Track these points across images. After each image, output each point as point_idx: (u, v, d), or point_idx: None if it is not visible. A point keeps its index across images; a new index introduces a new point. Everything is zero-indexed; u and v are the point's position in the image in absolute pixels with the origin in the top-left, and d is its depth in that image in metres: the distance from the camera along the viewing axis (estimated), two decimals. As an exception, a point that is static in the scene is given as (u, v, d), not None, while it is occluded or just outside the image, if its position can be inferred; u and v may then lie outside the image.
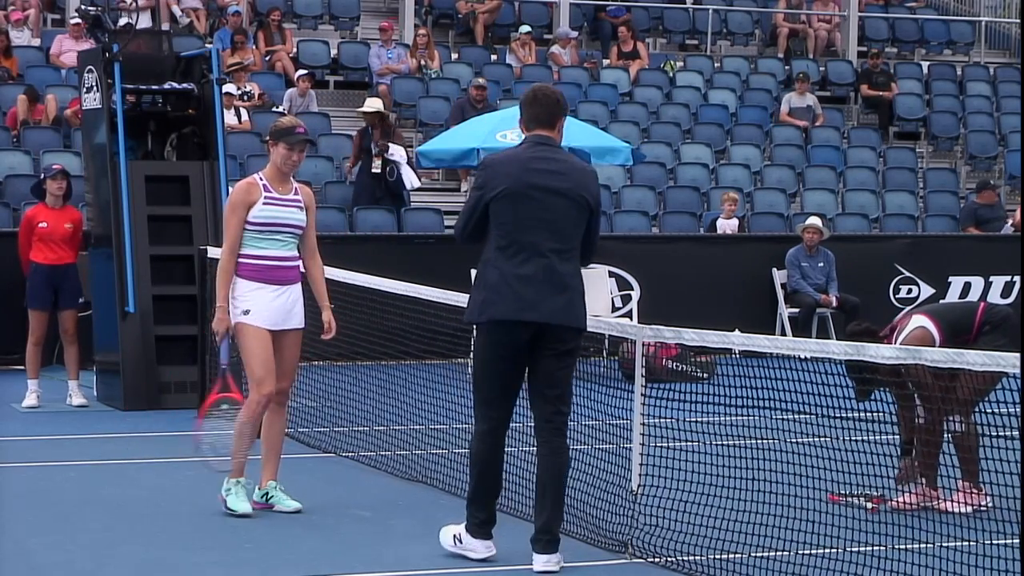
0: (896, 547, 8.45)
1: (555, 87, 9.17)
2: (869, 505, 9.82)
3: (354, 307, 12.26)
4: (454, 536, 8.87)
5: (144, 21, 16.03)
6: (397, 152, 20.24)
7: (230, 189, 16.07)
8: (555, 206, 8.42)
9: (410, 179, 20.27)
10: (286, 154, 9.90)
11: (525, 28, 27.38)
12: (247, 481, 9.94)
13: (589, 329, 9.98)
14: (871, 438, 9.01)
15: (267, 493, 10.01)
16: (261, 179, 9.92)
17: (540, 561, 8.56)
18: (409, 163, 20.43)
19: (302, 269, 10.01)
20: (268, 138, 10.10)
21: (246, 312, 9.74)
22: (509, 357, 8.50)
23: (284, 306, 9.83)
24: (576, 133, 18.35)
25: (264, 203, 9.83)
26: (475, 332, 8.81)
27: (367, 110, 20.65)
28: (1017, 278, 20.95)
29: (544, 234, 8.40)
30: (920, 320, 10.40)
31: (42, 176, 15.39)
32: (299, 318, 9.93)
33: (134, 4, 15.83)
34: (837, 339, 17.27)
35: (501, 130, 17.75)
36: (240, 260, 9.78)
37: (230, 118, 20.96)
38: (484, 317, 8.48)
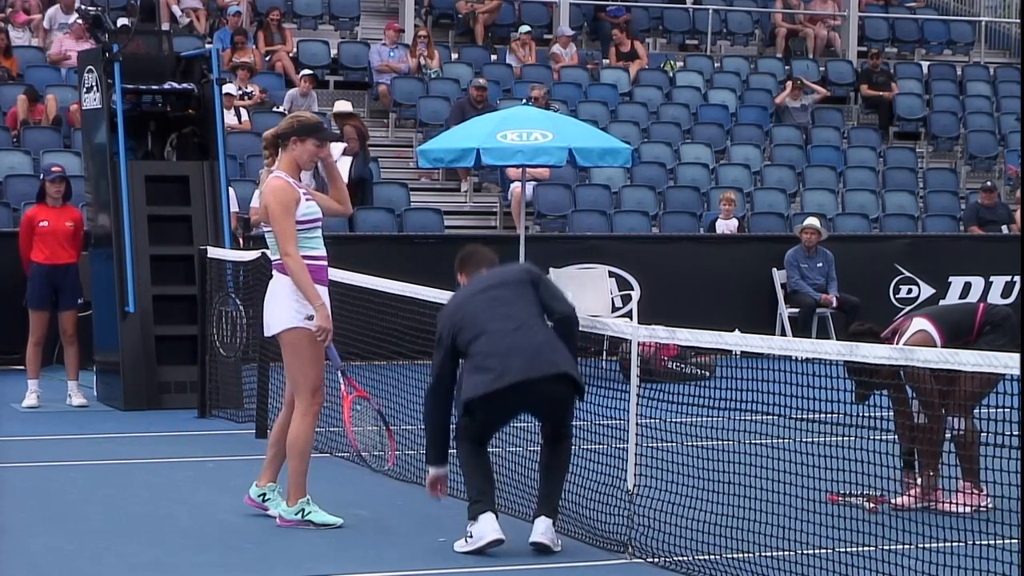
0: (896, 547, 8.46)
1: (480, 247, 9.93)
2: (869, 505, 9.83)
3: (349, 307, 12.27)
4: (465, 537, 9.00)
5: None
6: (332, 150, 20.32)
7: (230, 189, 16.24)
8: (498, 296, 9.10)
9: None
10: (314, 151, 9.64)
11: (525, 28, 27.38)
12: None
13: (588, 329, 10.04)
14: (870, 439, 9.02)
15: (264, 494, 9.96)
16: (287, 176, 9.59)
17: (540, 528, 8.97)
18: (356, 160, 20.40)
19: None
20: (289, 134, 9.62)
21: (310, 318, 9.47)
22: (491, 422, 9.16)
23: (330, 309, 9.69)
24: (576, 133, 18.38)
25: (305, 199, 9.58)
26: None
27: (336, 111, 20.94)
28: (1017, 278, 20.96)
29: (496, 317, 9.00)
30: (921, 324, 10.41)
31: (41, 176, 15.42)
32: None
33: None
34: (837, 339, 17.29)
35: (501, 130, 17.75)
36: None
37: (230, 118, 20.97)
38: (464, 399, 8.96)
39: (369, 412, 9.99)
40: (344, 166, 20.26)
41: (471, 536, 8.96)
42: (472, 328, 9.00)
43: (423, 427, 9.40)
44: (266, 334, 9.81)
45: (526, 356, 8.87)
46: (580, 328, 9.51)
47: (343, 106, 21.42)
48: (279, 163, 9.67)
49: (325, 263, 9.67)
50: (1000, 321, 10.48)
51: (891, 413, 10.32)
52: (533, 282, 9.18)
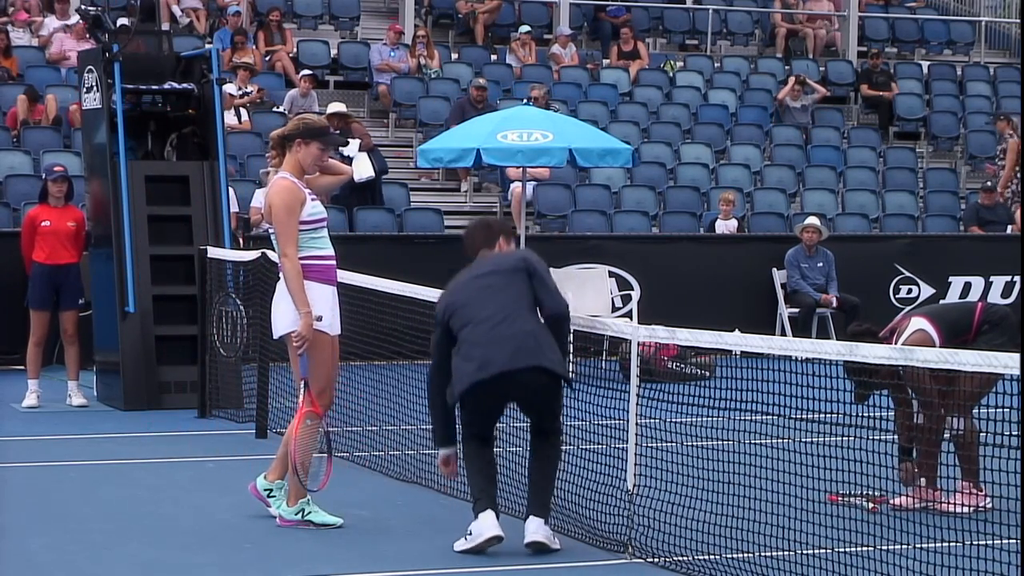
0: (895, 547, 8.46)
1: (486, 220, 10.11)
2: (870, 505, 9.83)
3: (349, 307, 12.25)
4: (464, 536, 9.02)
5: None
6: (348, 147, 20.28)
7: (230, 189, 16.24)
8: (491, 284, 9.16)
9: (357, 171, 20.14)
10: (318, 154, 9.65)
11: (525, 28, 27.39)
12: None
13: (587, 330, 10.03)
14: (870, 439, 9.02)
15: (271, 490, 9.94)
16: (292, 177, 9.58)
17: (531, 528, 8.98)
18: (372, 154, 20.43)
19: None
20: (294, 136, 9.61)
21: (318, 319, 9.45)
22: (482, 415, 9.16)
23: (338, 309, 9.67)
24: (576, 133, 18.38)
25: (311, 199, 9.58)
26: None
27: (331, 111, 20.88)
28: (1017, 278, 20.96)
29: (486, 305, 9.06)
30: (919, 323, 10.41)
31: (43, 176, 15.42)
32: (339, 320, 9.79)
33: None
34: (837, 339, 17.29)
35: (502, 130, 17.75)
36: (303, 262, 9.45)
37: (230, 118, 20.97)
38: (454, 398, 9.08)
39: (319, 431, 9.84)
40: (364, 162, 20.28)
41: (470, 534, 8.99)
42: (463, 315, 9.07)
43: (428, 410, 9.40)
44: (274, 336, 9.80)
45: (510, 348, 8.92)
46: (580, 329, 9.50)
47: (337, 107, 21.38)
48: (284, 164, 9.67)
49: (333, 263, 9.68)
50: (998, 320, 10.48)
51: (892, 413, 10.32)
52: (528, 271, 9.16)
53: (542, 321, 9.15)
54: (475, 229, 9.63)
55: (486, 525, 8.93)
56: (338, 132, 20.08)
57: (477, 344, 8.97)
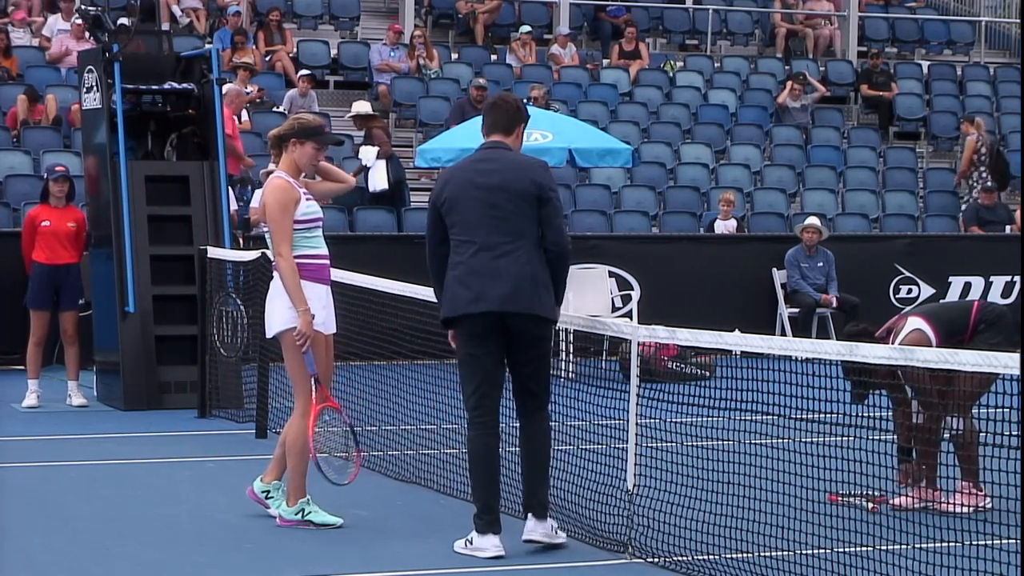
0: (894, 547, 8.46)
1: (515, 96, 9.48)
2: (870, 505, 9.83)
3: (349, 307, 12.27)
4: (466, 540, 8.99)
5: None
6: (365, 155, 20.26)
7: (230, 190, 16.24)
8: (496, 200, 8.79)
9: (373, 181, 20.17)
10: (314, 154, 9.63)
11: (525, 28, 27.40)
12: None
13: (586, 330, 10.03)
14: (870, 439, 9.03)
15: (268, 491, 9.95)
16: (287, 176, 9.58)
17: (529, 526, 8.94)
18: (390, 163, 20.42)
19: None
20: (289, 136, 9.64)
21: (313, 317, 9.43)
22: (476, 347, 8.86)
23: (332, 307, 9.67)
24: (576, 133, 18.38)
25: (305, 199, 9.57)
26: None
27: (354, 112, 20.84)
28: (1017, 278, 20.96)
29: (489, 229, 8.78)
30: (916, 323, 10.41)
31: (44, 176, 15.43)
32: (334, 319, 9.80)
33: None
34: (837, 339, 17.29)
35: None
36: (296, 261, 9.43)
37: (230, 118, 20.96)
38: (442, 316, 8.94)
39: (339, 426, 9.85)
40: (380, 172, 20.25)
41: (471, 543, 8.94)
42: (463, 226, 8.81)
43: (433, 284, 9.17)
44: (267, 335, 9.81)
45: (507, 287, 8.70)
46: (580, 329, 9.47)
47: (362, 107, 21.26)
48: (280, 163, 9.70)
49: (327, 262, 9.68)
50: (995, 319, 10.48)
51: (892, 412, 10.33)
52: (540, 198, 8.78)
53: (543, 254, 8.81)
54: (499, 105, 9.10)
55: (489, 546, 8.85)
56: (361, 133, 20.14)
57: (475, 273, 8.75)
